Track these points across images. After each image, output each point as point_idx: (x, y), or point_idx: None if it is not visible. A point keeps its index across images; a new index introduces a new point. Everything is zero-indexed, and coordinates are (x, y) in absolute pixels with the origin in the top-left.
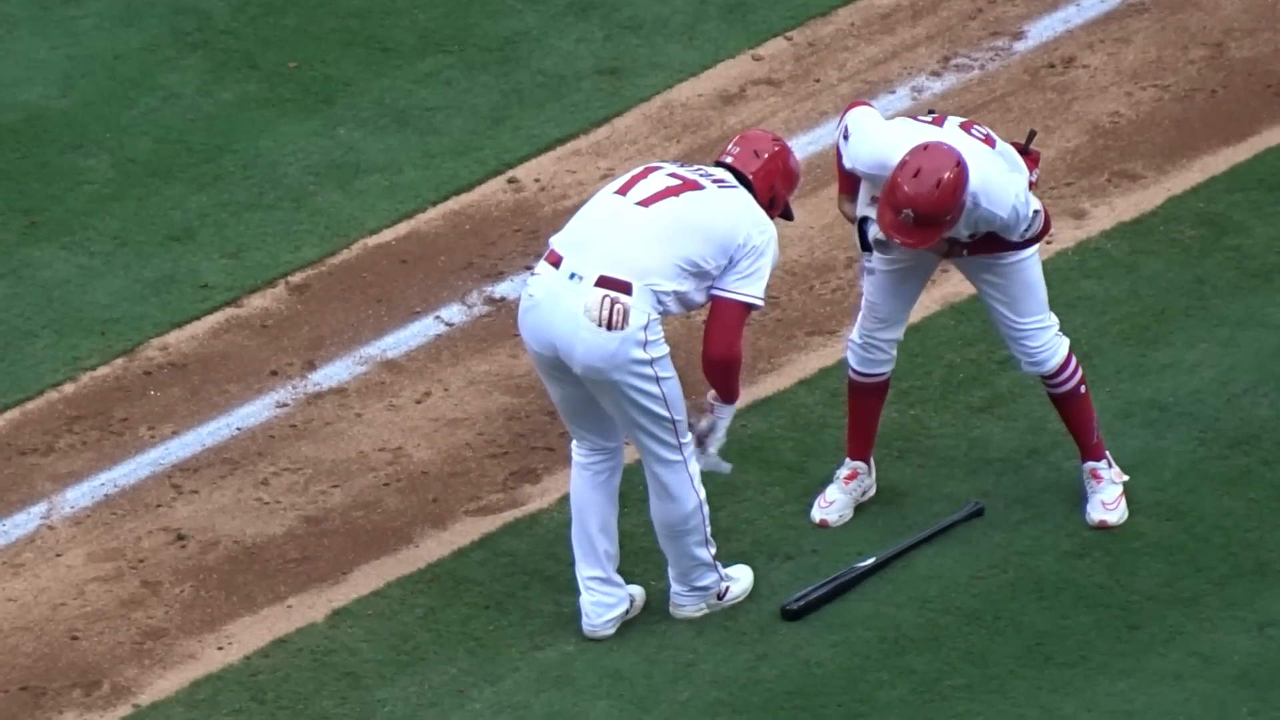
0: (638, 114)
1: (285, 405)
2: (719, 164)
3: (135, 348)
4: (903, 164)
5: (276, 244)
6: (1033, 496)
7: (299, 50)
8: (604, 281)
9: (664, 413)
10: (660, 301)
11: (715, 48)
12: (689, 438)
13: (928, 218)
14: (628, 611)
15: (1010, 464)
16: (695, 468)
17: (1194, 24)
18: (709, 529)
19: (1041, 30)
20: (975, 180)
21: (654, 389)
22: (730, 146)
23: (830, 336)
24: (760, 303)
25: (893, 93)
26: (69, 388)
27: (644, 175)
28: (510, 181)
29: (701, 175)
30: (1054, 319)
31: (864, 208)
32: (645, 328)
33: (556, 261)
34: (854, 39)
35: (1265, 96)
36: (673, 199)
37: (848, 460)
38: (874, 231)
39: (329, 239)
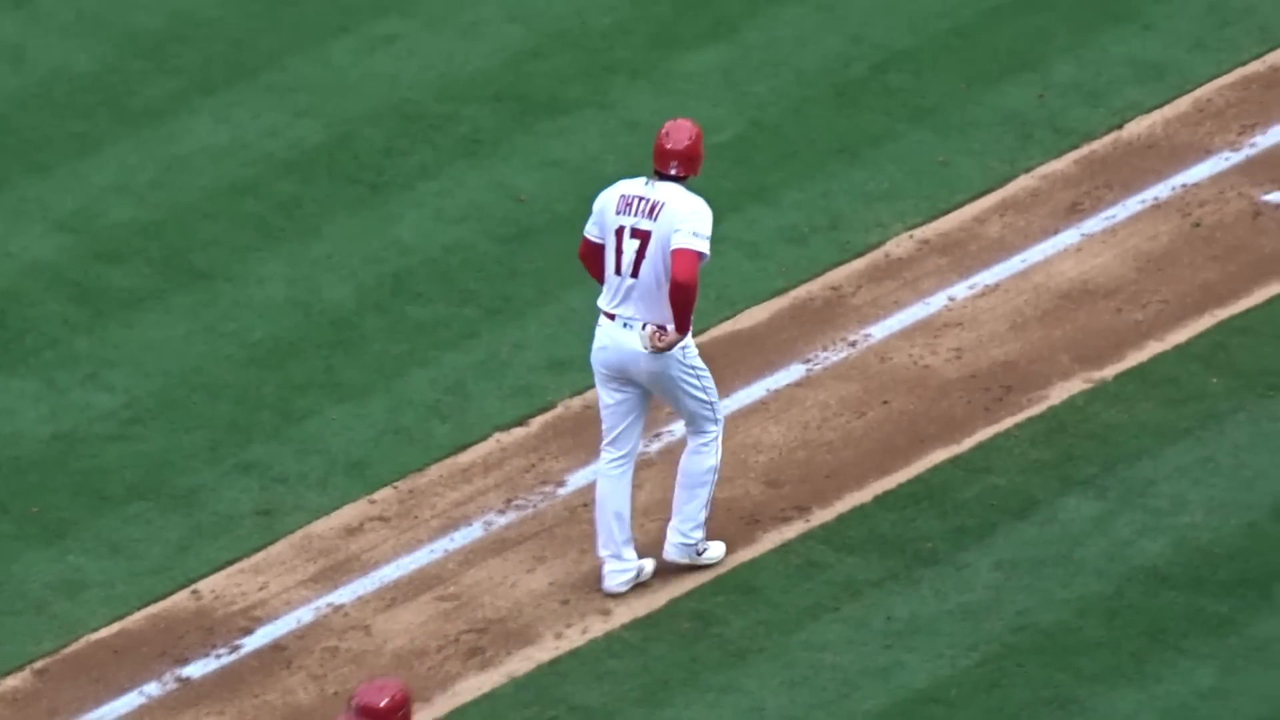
0: (285, 545)
1: None
2: (664, 177)
3: None
4: None
5: None
6: None
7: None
8: (650, 324)
9: (704, 398)
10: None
11: (341, 495)
12: (721, 417)
13: None
14: (637, 576)
15: None
16: (720, 443)
17: None
18: (711, 499)
19: (579, 479)
20: None
21: (695, 381)
22: (669, 158)
23: None
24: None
25: (470, 525)
26: None
27: (621, 246)
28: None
29: (646, 218)
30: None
31: None
32: (684, 348)
33: (612, 317)
34: (443, 488)
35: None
36: (645, 261)
37: None
38: None
39: None
